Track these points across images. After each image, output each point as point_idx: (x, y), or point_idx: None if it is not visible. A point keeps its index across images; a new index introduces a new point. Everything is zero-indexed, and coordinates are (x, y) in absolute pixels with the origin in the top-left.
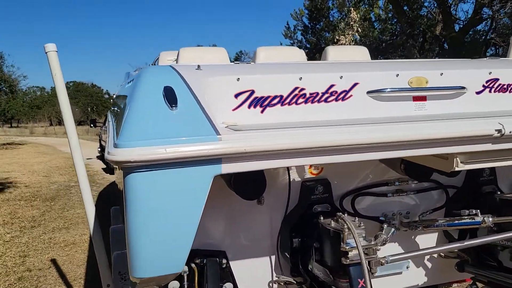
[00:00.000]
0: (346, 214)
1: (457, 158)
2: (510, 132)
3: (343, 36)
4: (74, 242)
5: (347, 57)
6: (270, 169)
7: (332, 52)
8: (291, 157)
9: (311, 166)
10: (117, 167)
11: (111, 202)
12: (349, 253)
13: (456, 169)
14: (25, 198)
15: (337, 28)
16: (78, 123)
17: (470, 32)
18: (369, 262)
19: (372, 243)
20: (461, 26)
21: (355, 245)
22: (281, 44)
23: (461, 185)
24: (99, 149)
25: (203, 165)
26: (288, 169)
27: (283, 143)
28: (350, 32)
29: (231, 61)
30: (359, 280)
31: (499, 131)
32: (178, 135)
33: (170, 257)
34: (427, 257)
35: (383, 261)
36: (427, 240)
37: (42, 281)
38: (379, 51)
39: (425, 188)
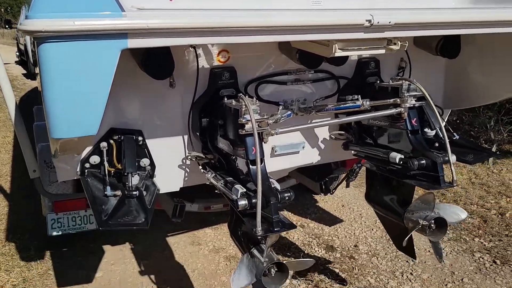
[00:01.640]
0: (255, 100)
1: (336, 45)
2: (378, 22)
3: None
4: None
5: None
6: (180, 55)
7: None
8: (192, 36)
9: (218, 54)
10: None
11: (33, 105)
12: (245, 125)
13: (336, 54)
14: None
15: None
16: None
17: None
18: (261, 133)
19: (265, 117)
20: None
21: (250, 118)
22: None
23: (351, 77)
24: (18, 54)
25: (110, 39)
26: (197, 56)
27: (184, 22)
28: None
29: None
30: (253, 147)
31: (369, 21)
32: (86, 11)
33: (83, 120)
34: (320, 139)
35: (273, 132)
36: (321, 127)
37: None
38: None
39: (320, 78)
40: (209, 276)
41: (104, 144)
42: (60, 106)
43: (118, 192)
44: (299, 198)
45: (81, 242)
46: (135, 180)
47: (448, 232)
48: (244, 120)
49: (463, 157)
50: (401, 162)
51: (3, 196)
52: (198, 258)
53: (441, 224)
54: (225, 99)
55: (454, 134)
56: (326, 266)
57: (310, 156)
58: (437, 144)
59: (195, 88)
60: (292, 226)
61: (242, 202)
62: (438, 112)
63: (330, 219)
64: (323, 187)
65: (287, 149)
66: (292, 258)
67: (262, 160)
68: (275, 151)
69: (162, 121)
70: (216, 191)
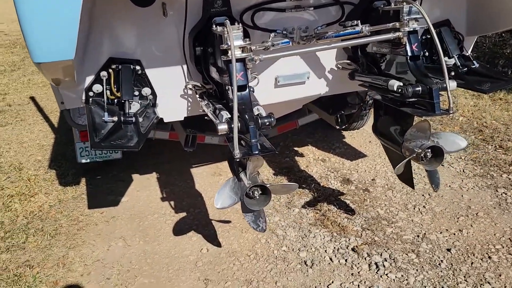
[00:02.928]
0: (240, 26)
1: None
2: None
3: None
4: None
5: None
6: None
7: None
8: None
9: None
10: None
11: None
12: (228, 51)
13: None
14: (5, 46)
15: None
16: None
17: None
18: (243, 59)
19: (247, 43)
20: None
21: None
22: None
23: (358, 2)
24: None
25: None
26: None
27: None
28: None
29: None
30: (236, 74)
31: None
32: None
33: (59, 44)
34: (327, 69)
35: (256, 59)
36: (326, 56)
37: (21, 113)
38: None
39: (322, 4)
40: None
41: (104, 73)
42: (35, 31)
43: (115, 118)
44: (326, 133)
45: (113, 171)
46: (134, 107)
47: (475, 168)
48: (226, 46)
49: (480, 86)
50: (399, 90)
51: (51, 129)
52: (217, 188)
53: (437, 152)
54: (214, 26)
55: (474, 62)
56: (338, 198)
57: (316, 87)
58: (453, 73)
59: (185, 17)
60: (271, 150)
61: (222, 127)
62: (459, 37)
63: (353, 154)
64: (339, 120)
65: (291, 79)
66: (307, 191)
67: (245, 86)
68: (278, 82)
69: (160, 51)
70: (206, 117)
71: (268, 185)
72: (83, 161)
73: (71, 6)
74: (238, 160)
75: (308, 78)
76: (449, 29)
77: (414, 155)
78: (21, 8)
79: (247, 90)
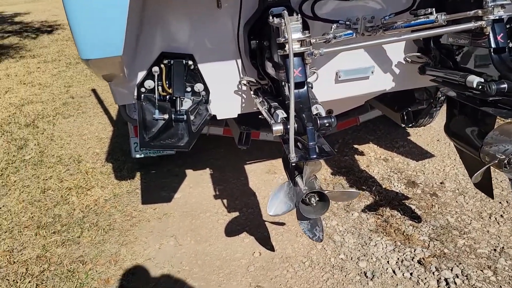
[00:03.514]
0: (299, 17)
1: None
2: None
3: None
4: None
5: None
6: None
7: None
8: None
9: None
10: None
11: None
12: (285, 45)
13: None
14: (71, 39)
15: None
16: None
17: None
18: (302, 53)
19: (306, 35)
20: None
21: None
22: None
23: None
24: None
25: None
26: None
27: None
28: None
29: None
30: (294, 70)
31: None
32: None
33: (107, 41)
34: (394, 63)
35: (316, 53)
36: (393, 49)
37: (83, 105)
38: None
39: None
40: None
41: (156, 69)
42: (82, 25)
43: (166, 116)
44: (389, 130)
45: (168, 166)
46: (186, 104)
47: None
48: (283, 39)
49: None
50: (480, 87)
51: (110, 122)
52: (271, 186)
53: None
54: (270, 17)
55: None
56: (402, 202)
57: (381, 82)
58: None
59: (240, 8)
60: (330, 154)
61: (277, 128)
62: None
63: (419, 154)
64: (405, 118)
65: (354, 74)
66: (368, 193)
67: (303, 83)
68: (339, 77)
69: (213, 44)
70: (260, 116)
71: (326, 192)
72: (137, 156)
73: (119, 1)
74: (293, 163)
75: (372, 72)
76: None
77: (496, 161)
78: (69, 5)
79: (305, 87)
